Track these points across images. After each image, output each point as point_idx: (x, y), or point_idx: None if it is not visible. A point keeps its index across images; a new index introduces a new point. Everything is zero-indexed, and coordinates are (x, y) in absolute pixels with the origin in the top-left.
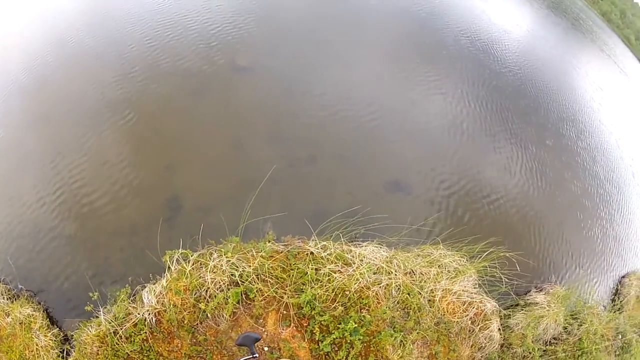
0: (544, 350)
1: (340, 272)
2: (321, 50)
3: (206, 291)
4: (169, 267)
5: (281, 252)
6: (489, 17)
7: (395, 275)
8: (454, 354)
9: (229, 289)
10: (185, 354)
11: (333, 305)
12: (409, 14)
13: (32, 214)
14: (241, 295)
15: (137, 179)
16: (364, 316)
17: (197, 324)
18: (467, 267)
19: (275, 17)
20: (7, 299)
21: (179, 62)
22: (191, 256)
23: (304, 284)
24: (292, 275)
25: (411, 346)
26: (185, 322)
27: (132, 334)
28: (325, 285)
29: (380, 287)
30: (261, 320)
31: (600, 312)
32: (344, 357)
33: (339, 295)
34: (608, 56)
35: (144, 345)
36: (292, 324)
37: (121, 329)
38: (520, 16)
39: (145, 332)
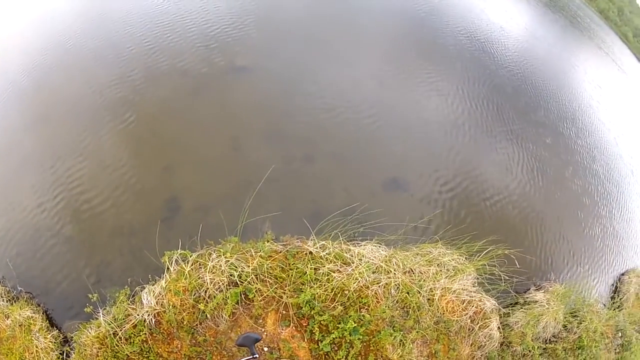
0: (544, 349)
1: (340, 271)
2: (320, 51)
3: (205, 292)
4: (168, 268)
5: (280, 252)
6: (488, 16)
7: (395, 274)
8: (454, 352)
9: (228, 290)
10: (185, 354)
11: (332, 305)
12: (408, 14)
13: (31, 216)
14: (240, 295)
15: (136, 180)
16: (363, 315)
17: (197, 325)
18: (467, 266)
19: (274, 17)
20: (7, 301)
21: (178, 63)
22: (190, 257)
23: (303, 284)
24: (291, 275)
25: (411, 345)
26: (185, 323)
27: (132, 335)
28: (325, 285)
29: (379, 286)
30: (260, 321)
31: (600, 309)
32: (344, 357)
33: (338, 295)
34: (606, 54)
35: (144, 346)
36: (291, 324)
37: (121, 330)
38: (518, 14)
39: (145, 333)
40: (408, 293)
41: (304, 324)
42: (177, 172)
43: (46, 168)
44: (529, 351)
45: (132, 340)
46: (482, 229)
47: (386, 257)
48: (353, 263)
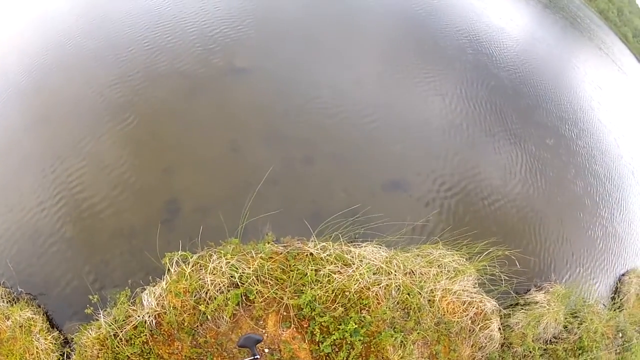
0: (545, 349)
1: (340, 272)
2: (319, 51)
3: (206, 293)
4: (168, 270)
5: (280, 253)
6: (487, 17)
7: (395, 275)
8: (455, 353)
9: (228, 291)
10: (185, 356)
11: (333, 306)
12: (407, 14)
13: (32, 217)
14: (241, 296)
15: (135, 180)
16: (364, 317)
17: (197, 326)
18: (467, 267)
19: (273, 18)
20: (7, 303)
21: (177, 64)
22: (190, 258)
23: (303, 285)
24: (292, 277)
25: (412, 346)
26: (186, 324)
27: (132, 336)
28: (325, 286)
29: (380, 287)
30: (261, 322)
31: (601, 310)
32: (345, 358)
33: (339, 296)
34: (606, 54)
35: (144, 347)
36: (292, 325)
37: (121, 331)
38: (518, 15)
39: (146, 335)
40: (409, 294)
41: (305, 325)
42: (177, 173)
43: (46, 169)
44: (530, 352)
45: (132, 342)
46: (482, 229)
47: (387, 258)
48: (354, 264)
